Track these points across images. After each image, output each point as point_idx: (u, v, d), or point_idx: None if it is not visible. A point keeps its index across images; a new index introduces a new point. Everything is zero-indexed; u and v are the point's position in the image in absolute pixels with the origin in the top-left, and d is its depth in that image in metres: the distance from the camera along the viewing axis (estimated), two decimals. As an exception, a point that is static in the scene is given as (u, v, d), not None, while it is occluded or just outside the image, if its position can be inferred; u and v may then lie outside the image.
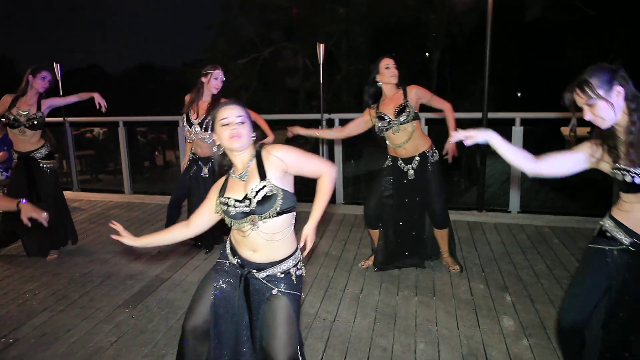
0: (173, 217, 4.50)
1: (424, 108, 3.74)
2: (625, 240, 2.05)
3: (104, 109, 4.28)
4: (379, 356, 2.76)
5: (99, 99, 4.26)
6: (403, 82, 3.63)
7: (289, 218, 2.02)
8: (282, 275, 2.03)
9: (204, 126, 4.04)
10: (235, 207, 1.97)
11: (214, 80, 4.03)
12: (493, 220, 5.11)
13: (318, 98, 5.80)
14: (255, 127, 2.14)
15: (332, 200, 5.97)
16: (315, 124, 6.04)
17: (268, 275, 2.02)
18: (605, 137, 2.00)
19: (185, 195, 4.35)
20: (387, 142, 3.72)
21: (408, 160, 3.68)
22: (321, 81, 5.76)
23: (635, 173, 1.92)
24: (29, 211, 2.54)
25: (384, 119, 3.60)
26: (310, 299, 3.45)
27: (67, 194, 4.70)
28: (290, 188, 2.00)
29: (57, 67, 6.20)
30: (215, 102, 4.05)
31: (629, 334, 2.08)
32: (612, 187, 5.02)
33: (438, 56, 17.41)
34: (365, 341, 2.91)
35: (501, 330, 3.00)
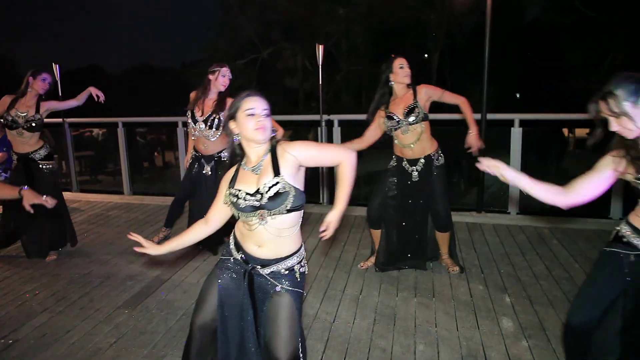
0: (174, 216, 4.51)
1: (431, 109, 3.72)
2: None
3: (102, 100, 4.28)
4: (379, 357, 2.76)
5: (95, 91, 4.27)
6: (412, 82, 3.62)
7: (297, 216, 2.02)
8: (287, 272, 2.04)
9: (209, 123, 4.05)
10: (246, 200, 1.96)
11: (221, 78, 4.04)
12: (492, 222, 5.11)
13: (317, 99, 5.81)
14: None
15: (331, 201, 5.96)
16: (314, 125, 6.04)
17: (272, 272, 2.03)
18: (628, 148, 1.98)
19: (190, 194, 4.35)
20: (396, 141, 3.71)
21: (413, 162, 3.68)
22: (320, 82, 5.77)
23: None
24: (30, 198, 2.56)
25: (393, 119, 3.60)
26: (309, 299, 3.45)
27: (66, 194, 4.70)
28: (301, 186, 1.99)
29: (56, 68, 6.21)
30: (222, 100, 4.06)
31: None
32: (611, 189, 5.04)
33: (437, 57, 17.44)
34: (364, 342, 2.91)
35: (500, 331, 3.00)
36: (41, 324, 3.19)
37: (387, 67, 3.63)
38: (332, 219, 2.05)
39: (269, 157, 2.00)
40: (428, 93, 3.60)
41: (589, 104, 2.00)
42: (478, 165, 2.13)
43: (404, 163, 3.71)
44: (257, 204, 1.95)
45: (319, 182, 5.85)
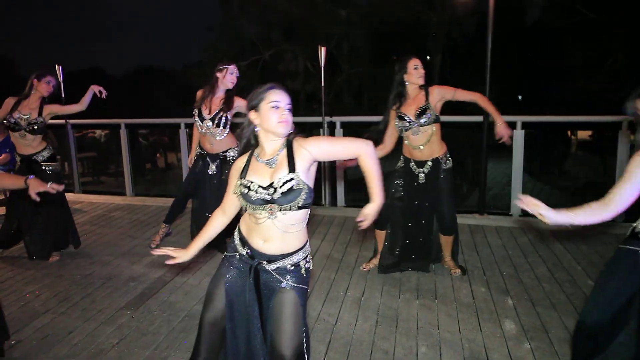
0: (175, 212, 4.54)
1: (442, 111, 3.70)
2: None
3: (104, 96, 4.29)
4: (381, 359, 2.76)
5: (96, 88, 4.28)
6: (425, 84, 3.62)
7: (305, 213, 2.02)
8: (292, 267, 2.04)
9: (216, 121, 4.06)
10: (257, 193, 1.96)
11: (229, 75, 4.05)
12: (494, 224, 5.11)
13: (319, 100, 5.82)
14: None
15: (334, 203, 5.98)
16: (316, 127, 6.04)
17: (278, 267, 2.03)
18: None
19: (193, 192, 4.36)
20: (406, 142, 3.71)
21: (420, 164, 3.67)
22: (322, 84, 5.77)
23: None
24: (36, 186, 2.58)
25: (404, 120, 3.59)
26: (311, 301, 3.45)
27: (69, 195, 4.71)
28: (312, 184, 2.00)
29: (59, 70, 6.22)
30: (229, 98, 4.07)
31: None
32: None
33: (439, 58, 17.44)
34: (366, 344, 2.91)
35: (503, 333, 3.00)
36: (44, 325, 3.20)
37: (402, 68, 3.61)
38: (370, 211, 2.03)
39: (284, 151, 2.00)
40: (440, 93, 3.59)
41: (625, 103, 2.00)
42: (518, 202, 2.14)
43: (412, 164, 3.71)
44: (268, 197, 1.94)
45: (321, 183, 5.85)
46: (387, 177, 3.87)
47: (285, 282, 2.02)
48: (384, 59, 17.07)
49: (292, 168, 1.95)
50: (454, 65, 17.04)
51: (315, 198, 2.05)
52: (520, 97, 16.94)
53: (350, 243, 4.65)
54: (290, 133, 2.03)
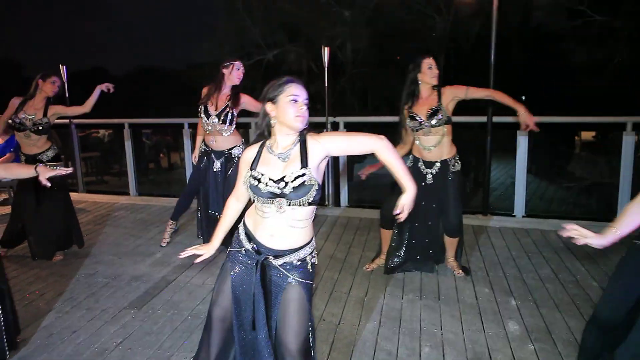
0: (181, 209, 4.58)
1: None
2: None
3: (112, 90, 4.30)
4: (384, 359, 2.76)
5: (102, 86, 4.31)
6: (438, 84, 3.60)
7: (313, 209, 2.03)
8: (299, 262, 2.04)
9: (222, 118, 4.06)
10: (268, 186, 1.95)
11: (236, 71, 4.06)
12: (498, 225, 5.10)
13: (323, 101, 5.81)
14: None
15: (337, 203, 5.97)
16: (320, 127, 6.04)
17: (285, 263, 2.03)
18: None
19: (199, 189, 4.38)
20: (417, 142, 3.69)
21: (429, 164, 3.66)
22: (326, 84, 5.77)
23: None
24: (46, 172, 2.59)
25: (416, 120, 3.58)
26: (315, 301, 3.45)
27: (73, 195, 4.71)
28: (320, 180, 1.99)
29: (63, 70, 6.24)
30: (236, 95, 4.08)
31: None
32: (618, 191, 5.02)
33: (443, 60, 17.41)
34: (370, 344, 2.91)
35: (506, 334, 2.99)
36: (48, 324, 3.21)
37: (416, 67, 3.59)
38: (406, 201, 2.01)
39: (298, 146, 2.00)
40: (453, 93, 3.56)
41: None
42: (562, 232, 2.09)
43: (420, 164, 3.70)
44: (278, 191, 1.94)
45: (325, 183, 5.85)
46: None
47: (292, 277, 2.02)
48: (387, 60, 17.05)
49: (304, 163, 1.95)
50: (458, 67, 17.01)
51: (317, 203, 2.04)
52: (523, 98, 16.95)
53: (353, 243, 4.65)
54: (305, 128, 2.02)
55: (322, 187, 2.03)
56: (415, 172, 3.72)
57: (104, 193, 7.10)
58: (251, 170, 2.02)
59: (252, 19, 18.49)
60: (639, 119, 5.06)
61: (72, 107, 4.47)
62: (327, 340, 2.95)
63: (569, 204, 6.84)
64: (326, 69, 5.59)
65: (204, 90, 4.20)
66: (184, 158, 6.72)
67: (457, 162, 3.68)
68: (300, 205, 1.94)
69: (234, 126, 4.16)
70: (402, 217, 2.01)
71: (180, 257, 2.24)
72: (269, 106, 2.01)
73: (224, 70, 4.07)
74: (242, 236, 2.11)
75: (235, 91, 4.10)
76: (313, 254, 2.11)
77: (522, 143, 5.26)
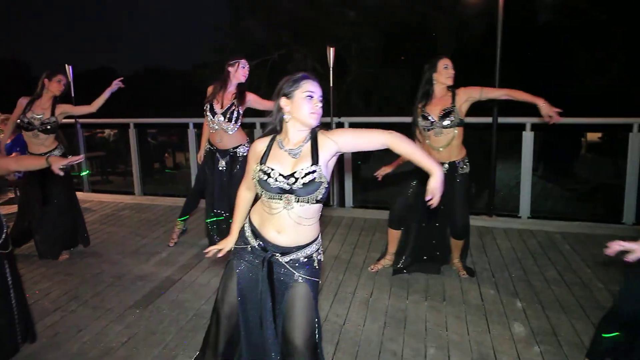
0: (188, 209, 4.60)
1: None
2: None
3: (122, 86, 4.32)
4: (389, 360, 2.76)
5: (114, 88, 4.32)
6: (453, 85, 3.58)
7: (320, 207, 2.03)
8: (305, 259, 2.04)
9: (228, 116, 4.07)
10: (277, 181, 1.95)
11: (241, 69, 4.07)
12: (503, 226, 5.08)
13: (328, 101, 5.80)
14: None
15: (342, 203, 5.97)
16: (325, 127, 6.03)
17: (291, 260, 2.03)
18: None
19: (205, 188, 4.39)
20: (427, 141, 3.67)
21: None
22: (331, 84, 5.77)
23: None
24: (58, 162, 2.61)
25: (427, 119, 3.57)
26: (320, 301, 3.44)
27: (78, 194, 4.72)
28: (329, 178, 2.00)
29: (69, 70, 6.26)
30: (242, 93, 4.10)
31: None
32: (624, 193, 5.00)
33: (447, 59, 17.34)
34: (375, 345, 2.91)
35: (512, 336, 2.98)
36: (53, 323, 3.22)
37: (432, 67, 3.58)
38: (435, 185, 1.95)
39: (309, 143, 1.99)
40: (467, 94, 3.54)
41: None
42: (608, 252, 2.02)
43: None
44: (287, 187, 1.94)
45: (330, 184, 5.85)
46: (406, 176, 3.85)
47: (298, 274, 2.02)
48: (392, 60, 17.03)
49: (315, 160, 1.95)
50: (463, 67, 16.95)
51: (323, 202, 2.04)
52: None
53: (358, 244, 4.65)
54: (317, 126, 2.02)
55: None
56: (423, 173, 3.70)
57: (109, 193, 7.12)
58: (260, 164, 2.01)
59: (257, 18, 18.51)
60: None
61: (79, 107, 4.49)
62: (332, 340, 2.95)
63: (574, 206, 6.81)
64: (331, 69, 5.59)
65: (210, 89, 4.21)
66: (189, 158, 6.74)
67: (466, 165, 3.66)
68: (308, 202, 1.94)
69: (239, 124, 4.17)
70: (435, 202, 1.95)
71: (207, 257, 2.22)
72: (283, 101, 2.01)
73: (230, 69, 4.08)
74: (248, 233, 2.11)
75: (241, 89, 4.11)
76: (319, 251, 2.11)
77: (528, 144, 5.25)
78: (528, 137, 5.25)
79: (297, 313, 2.00)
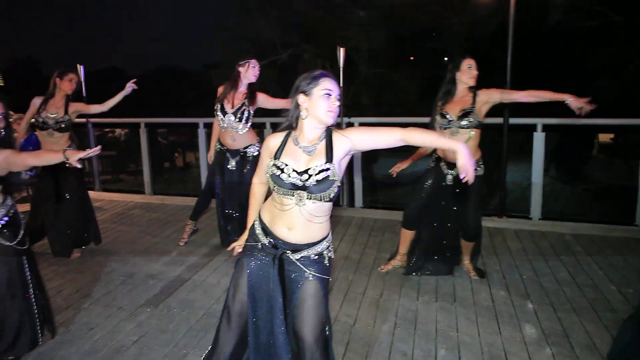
0: (200, 209, 4.63)
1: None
2: None
3: (136, 87, 4.35)
4: (399, 361, 2.75)
5: (128, 90, 4.33)
6: (475, 86, 3.57)
7: (330, 206, 2.04)
8: (316, 257, 2.04)
9: (239, 115, 4.09)
10: (290, 177, 1.96)
11: (252, 69, 4.09)
12: (514, 227, 5.05)
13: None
14: None
15: (351, 204, 5.97)
16: (336, 127, 6.03)
17: (302, 257, 2.03)
18: None
19: (216, 188, 4.40)
20: None
21: (451, 165, 3.62)
22: (341, 85, 5.76)
23: None
24: (75, 155, 2.63)
25: (445, 118, 3.55)
26: (330, 302, 3.45)
27: (89, 193, 4.75)
28: (341, 177, 2.00)
29: (80, 69, 6.30)
30: (252, 92, 4.11)
31: None
32: (637, 194, 4.95)
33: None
34: (385, 345, 2.90)
35: (523, 338, 2.96)
36: (66, 320, 3.24)
37: (455, 66, 3.57)
38: (463, 161, 1.85)
39: (324, 142, 2.00)
40: (488, 95, 3.52)
41: None
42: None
43: (442, 164, 3.68)
44: (300, 183, 1.94)
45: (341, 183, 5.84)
46: (419, 177, 3.84)
47: (309, 272, 2.03)
48: (402, 61, 16.99)
49: (329, 158, 1.96)
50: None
51: (334, 201, 2.04)
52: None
53: (368, 244, 4.64)
54: (332, 125, 2.03)
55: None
56: (437, 173, 3.70)
57: (119, 192, 7.17)
58: (275, 159, 2.02)
59: (267, 19, 18.54)
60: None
61: (92, 105, 4.52)
62: (342, 340, 2.95)
63: (586, 207, 6.75)
64: (341, 69, 5.58)
65: (220, 89, 4.23)
66: (199, 158, 6.76)
67: (480, 167, 3.64)
68: (320, 200, 1.95)
69: (250, 124, 4.18)
70: (470, 179, 1.86)
71: (234, 255, 2.23)
72: (301, 98, 2.01)
73: (240, 69, 4.10)
74: (258, 230, 2.12)
75: (252, 89, 4.13)
76: (330, 248, 2.11)
77: (539, 145, 5.21)
78: (539, 138, 5.21)
79: (307, 310, 2.00)
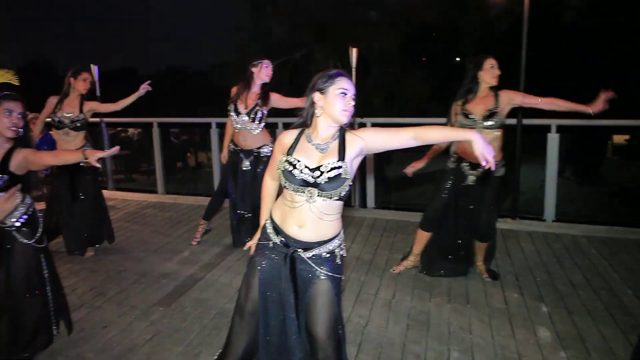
0: (213, 208, 4.66)
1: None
2: None
3: (150, 89, 4.37)
4: (412, 363, 2.74)
5: (142, 91, 4.36)
6: (496, 86, 3.55)
7: (341, 205, 2.03)
8: (328, 255, 2.04)
9: (252, 116, 4.10)
10: (302, 173, 1.97)
11: (265, 69, 4.10)
12: (527, 229, 5.01)
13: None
14: None
15: (363, 204, 5.95)
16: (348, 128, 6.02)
17: (314, 255, 2.03)
18: None
19: (229, 188, 4.43)
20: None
21: (473, 166, 3.60)
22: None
23: None
24: (94, 154, 2.66)
25: (469, 118, 3.52)
26: (341, 302, 3.44)
27: (103, 192, 4.79)
28: (353, 176, 2.00)
29: (94, 69, 6.36)
30: (266, 93, 4.13)
31: None
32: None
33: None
34: (397, 347, 2.89)
35: (537, 341, 2.94)
36: (80, 318, 3.27)
37: (477, 65, 3.55)
38: (480, 149, 1.83)
39: (337, 141, 2.01)
40: (509, 97, 3.51)
41: None
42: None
43: (463, 164, 3.65)
44: (311, 180, 1.95)
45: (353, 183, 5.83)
46: (440, 179, 3.81)
47: (321, 271, 2.03)
48: (414, 61, 16.93)
49: (342, 157, 1.97)
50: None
51: (345, 200, 2.04)
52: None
53: (380, 245, 4.63)
54: (346, 124, 2.03)
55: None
56: (457, 173, 3.67)
57: (132, 191, 7.21)
58: (287, 155, 2.03)
59: (278, 19, 18.58)
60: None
61: (106, 104, 4.56)
62: (355, 341, 2.94)
63: (601, 209, 6.67)
64: (354, 69, 5.57)
65: (234, 90, 4.24)
66: (212, 157, 6.79)
67: (502, 168, 3.62)
68: (331, 198, 1.95)
69: (263, 124, 4.19)
70: (492, 165, 1.83)
71: (251, 254, 2.22)
72: (317, 96, 2.02)
73: (253, 69, 4.11)
74: (270, 230, 2.12)
75: (265, 89, 4.14)
76: (342, 246, 2.11)
77: (553, 146, 5.16)
78: (553, 139, 5.17)
79: (319, 308, 2.01)
